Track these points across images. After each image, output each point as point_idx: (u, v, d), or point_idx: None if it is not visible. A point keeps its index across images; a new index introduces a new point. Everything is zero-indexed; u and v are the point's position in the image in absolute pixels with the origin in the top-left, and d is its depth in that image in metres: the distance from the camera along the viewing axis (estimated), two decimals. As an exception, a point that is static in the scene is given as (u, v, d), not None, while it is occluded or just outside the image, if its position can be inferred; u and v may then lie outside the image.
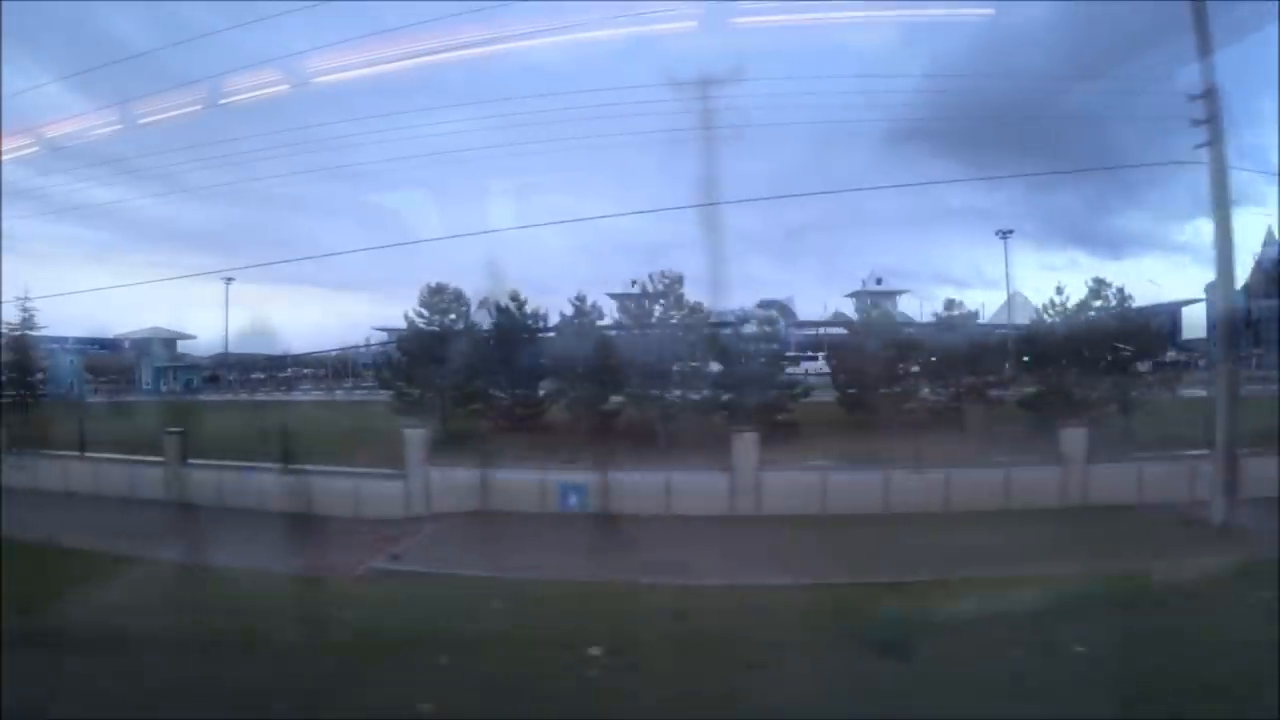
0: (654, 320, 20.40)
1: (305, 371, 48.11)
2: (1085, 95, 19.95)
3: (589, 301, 22.96)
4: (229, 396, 38.82)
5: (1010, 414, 20.88)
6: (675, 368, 19.00)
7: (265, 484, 16.14)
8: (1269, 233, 28.73)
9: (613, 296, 59.95)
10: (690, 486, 14.44)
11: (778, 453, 17.59)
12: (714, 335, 20.88)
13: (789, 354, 25.14)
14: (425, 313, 22.36)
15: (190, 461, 17.54)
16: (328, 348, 49.01)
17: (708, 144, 17.53)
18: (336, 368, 48.50)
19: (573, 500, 14.65)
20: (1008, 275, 33.67)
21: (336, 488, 15.74)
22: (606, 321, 23.68)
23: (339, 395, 39.88)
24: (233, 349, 44.10)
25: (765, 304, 29.76)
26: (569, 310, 22.19)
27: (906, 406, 21.34)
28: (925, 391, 21.14)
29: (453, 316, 22.48)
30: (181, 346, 42.82)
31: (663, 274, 21.16)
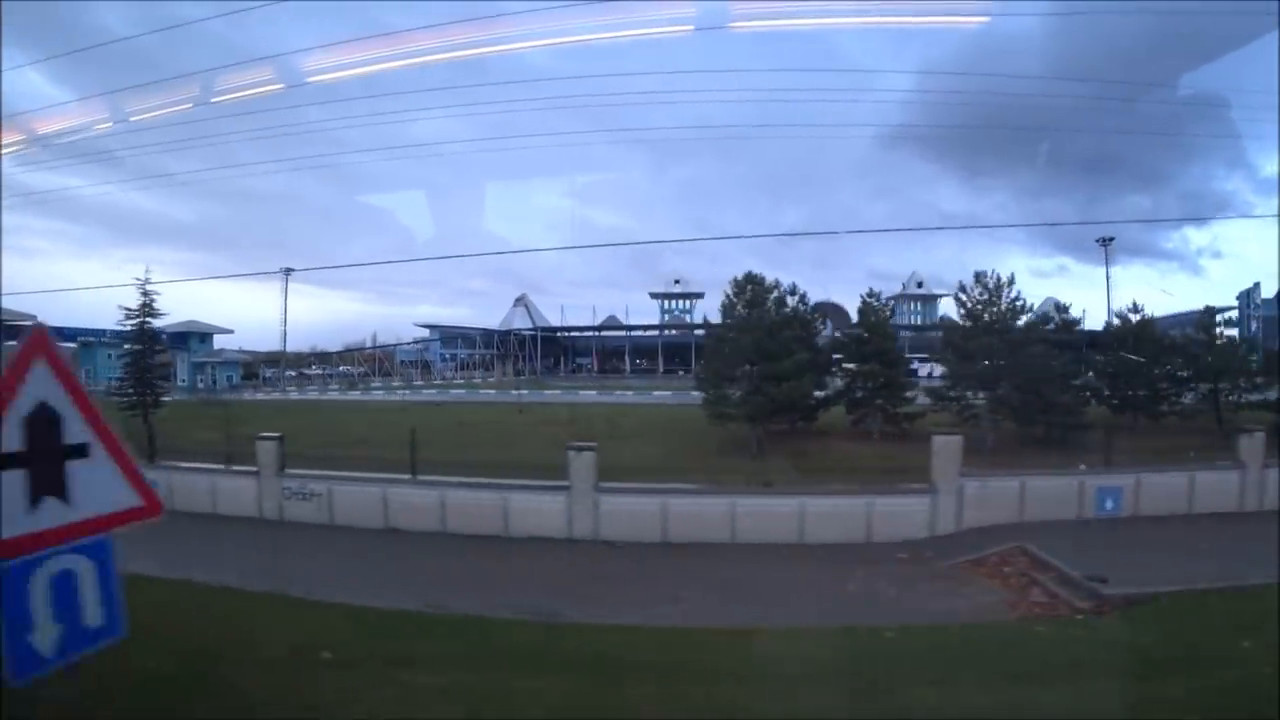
0: (992, 322, 20.45)
1: (342, 368, 41.09)
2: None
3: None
4: (298, 395, 31.88)
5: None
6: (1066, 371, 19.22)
7: (738, 511, 13.49)
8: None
9: (654, 296, 58.13)
10: (1208, 484, 14.86)
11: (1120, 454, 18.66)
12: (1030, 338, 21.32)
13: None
14: (741, 307, 20.44)
15: (602, 485, 13.88)
16: (371, 344, 42.33)
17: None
18: (382, 364, 42.09)
19: (1109, 504, 14.37)
20: (1108, 279, 36.92)
21: (841, 509, 13.45)
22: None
23: (428, 393, 34.65)
24: (259, 347, 36.68)
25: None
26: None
27: (1163, 409, 23.38)
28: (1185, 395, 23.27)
29: (764, 309, 20.76)
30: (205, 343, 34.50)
31: (984, 276, 21.28)
